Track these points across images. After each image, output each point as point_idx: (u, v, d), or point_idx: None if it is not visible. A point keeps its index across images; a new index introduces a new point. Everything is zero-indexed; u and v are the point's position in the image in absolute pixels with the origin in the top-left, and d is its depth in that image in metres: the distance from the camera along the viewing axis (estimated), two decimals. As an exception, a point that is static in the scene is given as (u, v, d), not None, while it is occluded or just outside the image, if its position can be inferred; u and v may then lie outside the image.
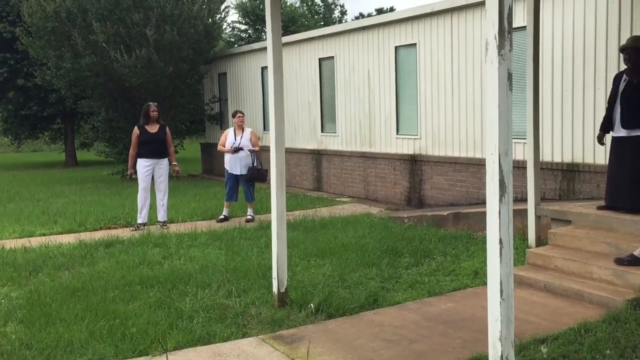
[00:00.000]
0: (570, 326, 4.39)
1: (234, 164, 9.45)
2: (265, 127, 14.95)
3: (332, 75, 12.66)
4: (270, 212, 5.70)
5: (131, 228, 8.88)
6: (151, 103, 9.17)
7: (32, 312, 4.91)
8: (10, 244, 7.77)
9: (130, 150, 9.03)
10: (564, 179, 7.99)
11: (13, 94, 22.63)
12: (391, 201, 11.12)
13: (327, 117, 13.03)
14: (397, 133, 11.00)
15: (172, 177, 9.13)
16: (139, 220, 8.93)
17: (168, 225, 9.04)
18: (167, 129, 9.20)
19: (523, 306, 4.93)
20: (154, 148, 8.92)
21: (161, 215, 9.07)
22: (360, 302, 5.15)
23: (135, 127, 9.03)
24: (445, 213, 8.43)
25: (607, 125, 6.20)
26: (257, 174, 9.38)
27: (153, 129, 9.00)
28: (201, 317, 4.81)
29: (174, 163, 9.30)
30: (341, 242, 7.23)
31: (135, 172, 8.95)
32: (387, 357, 4.04)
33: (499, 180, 3.09)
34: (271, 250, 5.27)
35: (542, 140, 8.00)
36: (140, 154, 8.91)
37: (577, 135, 7.88)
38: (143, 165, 8.89)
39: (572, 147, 7.94)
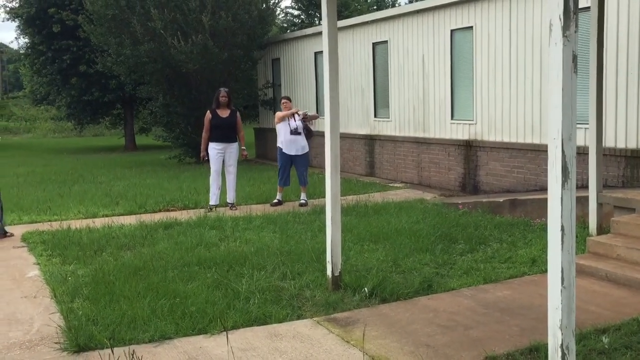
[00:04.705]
0: (633, 317, 4.27)
1: (290, 145, 9.55)
2: (319, 112, 14.95)
3: (385, 60, 12.55)
4: (323, 197, 5.73)
5: (205, 209, 9.09)
6: (222, 89, 9.43)
7: (97, 290, 5.13)
8: (75, 224, 8.11)
9: (203, 134, 9.31)
10: (628, 165, 7.70)
11: (76, 80, 23.47)
12: (445, 187, 10.98)
13: (380, 102, 12.95)
14: (452, 118, 10.83)
15: (240, 160, 9.40)
16: (212, 202, 9.20)
17: (236, 207, 9.29)
18: (238, 114, 9.43)
19: (583, 295, 4.81)
20: (223, 132, 9.19)
21: (230, 198, 9.33)
22: (414, 288, 5.14)
23: (208, 111, 9.31)
24: (501, 200, 8.27)
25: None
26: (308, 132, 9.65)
27: (224, 113, 9.24)
28: (257, 298, 4.91)
29: (242, 147, 9.49)
30: (394, 228, 7.21)
31: (208, 155, 9.24)
32: (443, 342, 4.03)
33: (562, 166, 3.01)
34: (325, 234, 5.31)
35: (605, 126, 7.72)
36: (212, 137, 9.20)
37: (643, 120, 7.56)
38: (214, 149, 9.19)
39: (637, 132, 7.62)
